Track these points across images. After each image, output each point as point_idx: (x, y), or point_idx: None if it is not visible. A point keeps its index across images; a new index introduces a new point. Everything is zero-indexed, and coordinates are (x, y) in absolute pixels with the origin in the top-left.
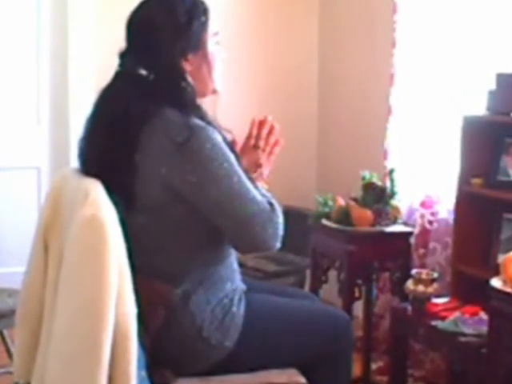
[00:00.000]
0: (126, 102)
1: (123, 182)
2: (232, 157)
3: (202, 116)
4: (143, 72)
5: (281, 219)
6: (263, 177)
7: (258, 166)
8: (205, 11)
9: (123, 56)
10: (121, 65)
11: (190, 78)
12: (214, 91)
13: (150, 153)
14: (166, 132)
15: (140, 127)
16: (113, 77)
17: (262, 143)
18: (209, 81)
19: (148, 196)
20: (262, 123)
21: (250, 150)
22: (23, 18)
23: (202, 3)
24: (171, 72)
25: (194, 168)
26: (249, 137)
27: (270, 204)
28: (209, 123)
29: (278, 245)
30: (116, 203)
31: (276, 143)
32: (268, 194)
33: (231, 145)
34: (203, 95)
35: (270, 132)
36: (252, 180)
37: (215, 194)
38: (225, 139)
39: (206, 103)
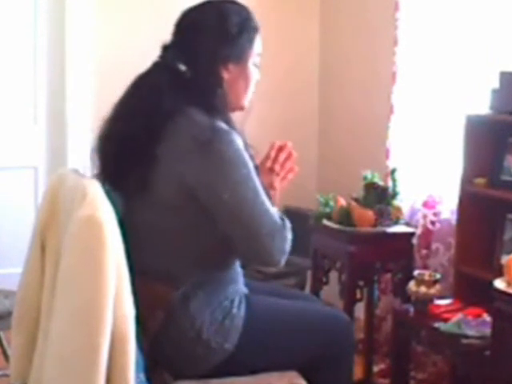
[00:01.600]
0: (159, 94)
1: (139, 170)
2: (251, 165)
3: (228, 122)
4: (182, 67)
5: (290, 236)
6: (275, 200)
7: (272, 188)
8: (255, 29)
9: (166, 48)
10: (162, 56)
11: (225, 86)
12: (242, 107)
13: (171, 149)
14: (190, 131)
15: (164, 122)
16: (151, 66)
17: (277, 167)
18: (242, 95)
19: (162, 192)
20: (281, 148)
21: (266, 171)
22: (20, 16)
23: (255, 21)
24: (208, 74)
25: (212, 169)
26: (266, 158)
27: (282, 219)
28: (233, 129)
29: (283, 261)
30: (114, 203)
31: (291, 170)
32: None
33: (252, 154)
34: (232, 108)
35: (287, 158)
36: (268, 193)
37: (229, 197)
38: (246, 147)
39: (236, 117)
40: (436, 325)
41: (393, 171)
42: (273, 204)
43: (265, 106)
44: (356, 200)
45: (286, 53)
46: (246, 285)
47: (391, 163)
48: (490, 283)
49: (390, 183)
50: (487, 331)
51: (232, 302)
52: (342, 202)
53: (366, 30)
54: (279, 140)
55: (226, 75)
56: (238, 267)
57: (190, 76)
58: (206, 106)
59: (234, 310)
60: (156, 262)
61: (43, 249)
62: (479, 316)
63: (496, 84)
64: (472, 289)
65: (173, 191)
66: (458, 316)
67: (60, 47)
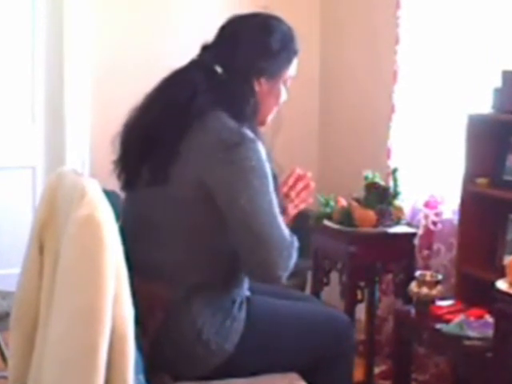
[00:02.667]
0: (192, 91)
1: (159, 162)
2: (271, 178)
3: (254, 131)
4: (218, 69)
5: (295, 255)
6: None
7: (284, 213)
8: (296, 51)
9: (205, 48)
10: (200, 55)
11: (256, 98)
12: (264, 123)
13: (194, 148)
14: (218, 133)
15: (193, 120)
16: (188, 63)
17: (293, 194)
18: (267, 111)
19: (178, 188)
20: (300, 177)
21: (281, 196)
22: (18, 15)
23: (297, 44)
24: (243, 82)
25: (234, 172)
26: (284, 184)
27: (291, 236)
28: (259, 139)
29: (284, 279)
30: (113, 204)
31: (304, 200)
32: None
33: (273, 168)
34: (257, 121)
35: (304, 187)
36: (283, 209)
37: (245, 203)
38: (269, 159)
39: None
40: (438, 326)
41: (394, 171)
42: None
43: None
44: (357, 200)
45: None
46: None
47: (392, 163)
48: (493, 284)
49: (391, 183)
50: (489, 332)
51: (233, 303)
52: (343, 202)
53: (367, 29)
54: (300, 169)
55: (257, 87)
56: (239, 270)
57: (224, 78)
58: (237, 112)
59: (235, 312)
60: (158, 261)
61: (41, 249)
62: (481, 317)
63: (498, 83)
64: (474, 290)
65: (190, 188)
66: (460, 317)
67: (58, 46)
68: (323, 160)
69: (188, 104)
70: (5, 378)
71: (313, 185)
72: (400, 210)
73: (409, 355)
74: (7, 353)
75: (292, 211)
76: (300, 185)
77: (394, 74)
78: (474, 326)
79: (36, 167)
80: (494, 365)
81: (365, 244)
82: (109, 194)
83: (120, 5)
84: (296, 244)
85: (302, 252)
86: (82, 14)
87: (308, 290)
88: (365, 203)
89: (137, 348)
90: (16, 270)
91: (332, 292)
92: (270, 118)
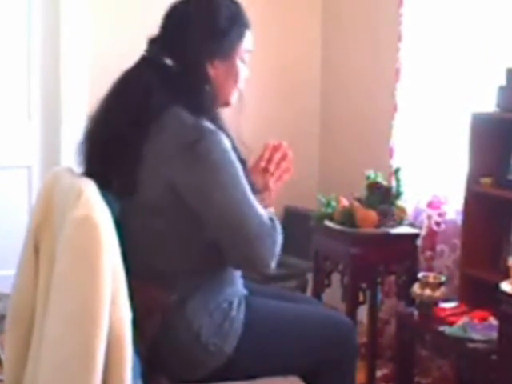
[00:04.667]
0: (147, 90)
1: (125, 171)
2: (239, 166)
3: (214, 120)
4: (169, 62)
5: (280, 238)
6: (270, 201)
7: (267, 189)
8: (246, 25)
9: (152, 42)
10: (148, 50)
11: (212, 83)
12: (228, 104)
13: (157, 150)
14: (175, 131)
15: (151, 121)
16: (137, 61)
17: (272, 167)
18: (229, 92)
19: (148, 194)
20: (276, 148)
21: (260, 172)
22: (14, 13)
23: (246, 17)
24: (195, 70)
25: (199, 171)
26: (260, 159)
27: (271, 220)
28: (220, 128)
29: (273, 265)
30: (110, 203)
31: (286, 170)
32: (271, 210)
33: (239, 154)
34: (219, 104)
35: (282, 158)
36: (255, 192)
37: (217, 200)
38: (234, 147)
39: (228, 117)
40: (441, 328)
41: (396, 170)
42: (268, 205)
43: (265, 103)
44: (359, 200)
45: (287, 49)
46: (246, 287)
47: (395, 162)
48: (497, 285)
49: (393, 183)
50: (493, 335)
51: (231, 304)
52: (344, 202)
53: (369, 26)
54: (274, 139)
55: (211, 71)
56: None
57: (176, 71)
58: (193, 105)
59: (233, 313)
60: (151, 264)
61: (37, 250)
62: (485, 319)
63: (502, 81)
64: (478, 291)
65: (159, 193)
66: (464, 319)
67: (55, 44)
68: (324, 159)
69: (143, 106)
70: (0, 380)
71: (291, 154)
72: (402, 210)
73: (411, 358)
74: (3, 355)
75: (275, 185)
76: (277, 155)
77: (397, 72)
78: (477, 328)
79: (32, 166)
80: (499, 368)
81: (367, 245)
82: (105, 194)
83: (117, 3)
84: (278, 226)
85: (303, 253)
86: (79, 12)
87: (309, 292)
88: (367, 203)
89: (134, 351)
90: (11, 272)
91: (333, 294)
92: (233, 98)
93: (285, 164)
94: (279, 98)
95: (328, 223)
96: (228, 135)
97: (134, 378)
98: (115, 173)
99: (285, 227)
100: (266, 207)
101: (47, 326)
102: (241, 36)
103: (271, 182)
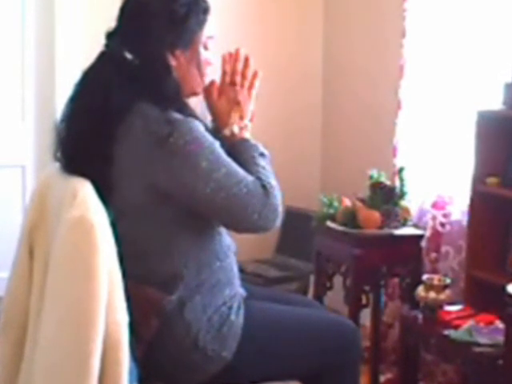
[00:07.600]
0: (107, 89)
1: (98, 170)
2: (217, 145)
3: (182, 110)
4: (128, 56)
5: (277, 199)
6: (247, 113)
7: (237, 103)
8: (205, 10)
9: (110, 36)
10: (106, 45)
11: (175, 74)
12: (197, 94)
13: (130, 151)
14: (145, 129)
15: (116, 122)
16: (96, 57)
17: (238, 78)
18: (195, 82)
19: (129, 195)
20: (233, 58)
21: (227, 87)
22: (8, 12)
23: (205, 1)
24: (156, 62)
25: (179, 165)
26: (223, 74)
27: (263, 187)
28: (189, 115)
29: (278, 222)
30: (105, 204)
31: (254, 76)
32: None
33: (214, 132)
34: (186, 95)
35: (245, 65)
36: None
37: (204, 189)
38: (207, 128)
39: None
40: (446, 332)
41: (400, 170)
42: (245, 118)
43: (266, 100)
44: (361, 200)
45: (288, 44)
46: (246, 290)
47: (399, 161)
48: (503, 288)
49: (397, 183)
50: (500, 339)
51: (230, 308)
52: (347, 202)
53: (373, 21)
54: (229, 52)
55: (173, 62)
56: (234, 268)
57: (136, 64)
58: (157, 98)
59: (232, 317)
60: (146, 266)
61: (31, 251)
62: (491, 323)
63: (509, 78)
64: (484, 294)
65: (140, 193)
66: (469, 323)
67: (49, 44)
68: (326, 158)
69: (106, 105)
70: None
71: (252, 61)
72: (407, 210)
73: (416, 362)
74: None
75: (248, 99)
76: (239, 65)
77: (401, 69)
78: (483, 332)
79: (26, 166)
80: (505, 373)
81: (370, 246)
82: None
83: (112, 4)
84: (271, 188)
85: (304, 255)
86: (73, 13)
87: (310, 295)
88: (370, 204)
89: (131, 356)
90: (5, 274)
91: (335, 297)
92: (200, 88)
93: (250, 70)
94: (281, 95)
95: (330, 224)
96: (198, 119)
97: (131, 382)
98: (87, 177)
99: (286, 228)
100: (244, 126)
101: (41, 329)
102: (201, 23)
103: (243, 95)
